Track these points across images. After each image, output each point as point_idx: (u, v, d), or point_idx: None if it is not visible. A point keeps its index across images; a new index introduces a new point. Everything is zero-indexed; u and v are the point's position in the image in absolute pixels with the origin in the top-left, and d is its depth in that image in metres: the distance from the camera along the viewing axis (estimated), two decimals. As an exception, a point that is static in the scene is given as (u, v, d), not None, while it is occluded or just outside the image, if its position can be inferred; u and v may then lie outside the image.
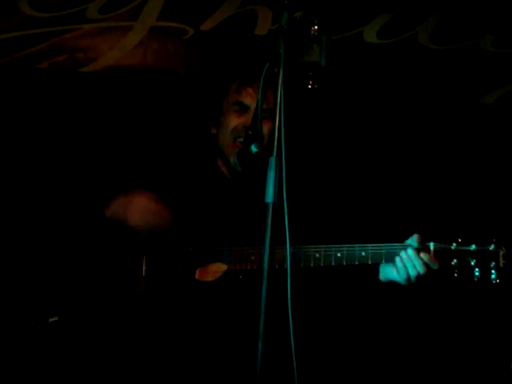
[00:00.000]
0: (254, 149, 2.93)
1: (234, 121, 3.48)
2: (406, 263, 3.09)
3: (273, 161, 2.58)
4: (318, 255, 3.17)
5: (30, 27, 4.27)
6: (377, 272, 3.26)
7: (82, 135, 4.31)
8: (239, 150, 3.24)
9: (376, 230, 3.60)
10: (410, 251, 3.09)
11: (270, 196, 2.54)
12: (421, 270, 3.07)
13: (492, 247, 3.08)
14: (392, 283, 3.23)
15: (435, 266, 3.08)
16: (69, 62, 4.34)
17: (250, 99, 3.49)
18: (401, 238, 3.18)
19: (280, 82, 2.61)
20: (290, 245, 2.56)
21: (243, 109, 3.49)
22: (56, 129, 4.29)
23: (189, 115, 4.32)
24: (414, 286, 3.14)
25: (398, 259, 3.11)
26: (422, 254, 3.08)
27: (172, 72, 4.41)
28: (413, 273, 3.08)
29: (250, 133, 3.06)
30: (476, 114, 4.62)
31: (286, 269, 2.63)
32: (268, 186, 2.55)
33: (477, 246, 3.09)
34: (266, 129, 3.21)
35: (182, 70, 4.42)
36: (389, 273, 3.20)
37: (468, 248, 3.10)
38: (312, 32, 2.72)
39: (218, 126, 3.57)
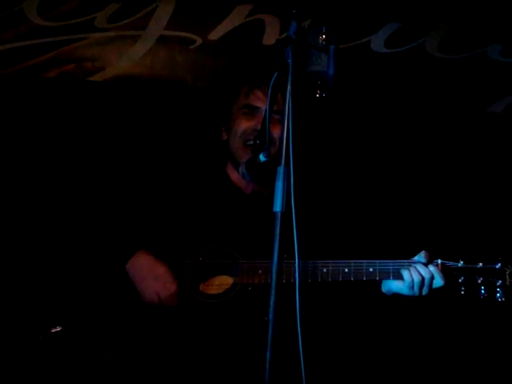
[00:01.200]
0: (262, 158, 2.93)
1: (243, 124, 3.47)
2: (412, 272, 3.09)
3: (281, 170, 2.58)
4: (325, 270, 3.16)
5: (38, 36, 4.29)
6: (379, 284, 3.25)
7: (89, 143, 4.30)
8: (248, 160, 3.24)
9: (383, 246, 3.60)
10: (419, 264, 3.10)
11: (278, 205, 2.53)
12: (426, 275, 3.06)
13: (499, 266, 3.09)
14: (395, 296, 3.22)
15: (442, 280, 3.08)
16: (77, 71, 4.34)
17: (259, 101, 3.47)
18: (407, 255, 3.18)
19: (288, 91, 2.60)
20: (298, 259, 2.55)
21: (252, 111, 3.47)
22: (64, 137, 4.29)
23: (197, 124, 4.32)
24: (419, 298, 3.13)
25: (405, 270, 3.11)
26: (430, 266, 3.09)
27: (180, 81, 4.41)
28: (417, 278, 3.08)
29: (258, 142, 3.06)
30: (484, 123, 4.62)
31: (293, 283, 2.62)
32: (276, 195, 2.54)
33: (483, 264, 3.10)
34: (278, 132, 3.20)
35: (190, 79, 4.42)
36: (392, 285, 3.19)
37: (475, 266, 3.11)
38: (320, 41, 2.72)
39: (229, 131, 3.55)
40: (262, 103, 3.46)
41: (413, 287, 3.10)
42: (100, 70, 4.37)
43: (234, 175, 3.54)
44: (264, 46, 4.38)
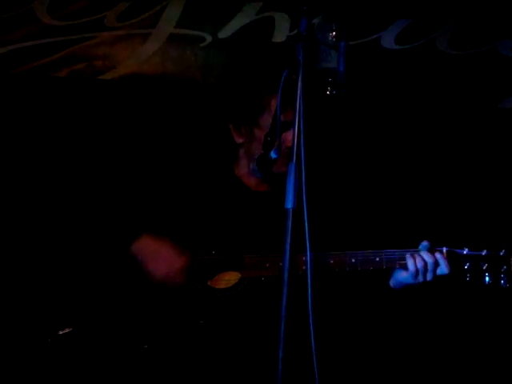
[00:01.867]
0: (273, 155, 2.93)
1: None
2: (416, 259, 3.10)
3: (292, 167, 2.58)
4: (332, 261, 3.17)
5: (48, 36, 4.30)
6: (388, 278, 3.25)
7: (100, 141, 4.31)
8: (258, 157, 3.22)
9: (389, 236, 3.60)
10: (422, 251, 3.11)
11: (289, 202, 2.53)
12: (429, 259, 3.07)
13: (503, 252, 3.10)
14: (403, 289, 3.23)
15: (446, 268, 3.09)
16: (88, 70, 4.36)
17: (290, 117, 3.37)
18: (414, 245, 3.19)
19: (299, 88, 2.60)
20: (303, 251, 2.55)
21: (284, 127, 3.41)
22: (75, 135, 4.30)
23: (206, 121, 4.32)
24: (425, 286, 3.13)
25: (407, 254, 3.12)
26: (435, 254, 3.10)
27: (190, 79, 4.42)
28: (420, 264, 3.08)
29: (268, 139, 3.06)
30: (495, 118, 4.61)
31: (300, 275, 2.61)
32: (288, 192, 2.55)
33: (488, 251, 3.11)
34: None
35: (201, 76, 4.43)
36: (399, 276, 3.19)
37: (479, 253, 3.12)
38: (330, 38, 2.72)
39: (250, 137, 3.48)
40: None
41: (417, 274, 3.10)
42: (110, 68, 4.38)
43: (242, 173, 3.52)
44: (274, 43, 4.39)
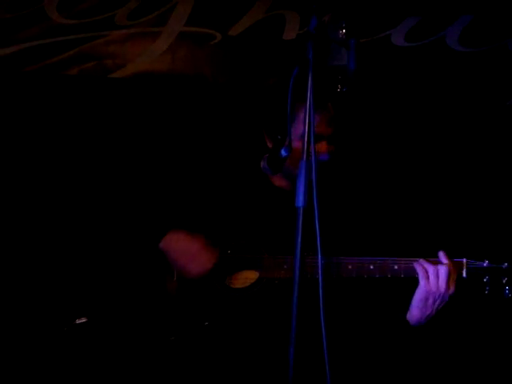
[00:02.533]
0: (283, 153, 2.93)
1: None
2: (427, 269, 3.08)
3: (303, 165, 2.57)
4: (350, 267, 3.17)
5: (59, 34, 4.32)
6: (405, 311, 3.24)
7: (111, 139, 4.32)
8: (269, 155, 3.22)
9: (405, 245, 3.59)
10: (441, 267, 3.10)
11: (300, 200, 2.53)
12: (443, 272, 3.06)
13: None
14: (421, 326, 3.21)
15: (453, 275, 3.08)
16: (98, 69, 4.37)
17: (319, 129, 3.29)
18: (431, 254, 3.18)
19: (309, 86, 2.60)
20: (321, 254, 2.54)
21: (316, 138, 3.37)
22: (85, 134, 4.31)
23: (219, 118, 4.32)
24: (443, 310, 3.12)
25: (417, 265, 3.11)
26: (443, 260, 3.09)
27: (201, 77, 4.42)
28: (434, 281, 3.07)
29: (279, 137, 3.05)
30: (504, 116, 4.60)
31: (317, 279, 2.62)
32: (298, 190, 2.54)
33: (509, 264, 3.10)
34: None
35: (211, 75, 4.43)
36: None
37: (500, 266, 3.10)
38: (340, 36, 2.72)
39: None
40: (323, 130, 3.33)
41: (432, 295, 3.09)
42: (120, 66, 4.39)
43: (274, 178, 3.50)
44: (284, 41, 4.39)
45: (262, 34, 4.38)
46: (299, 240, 2.49)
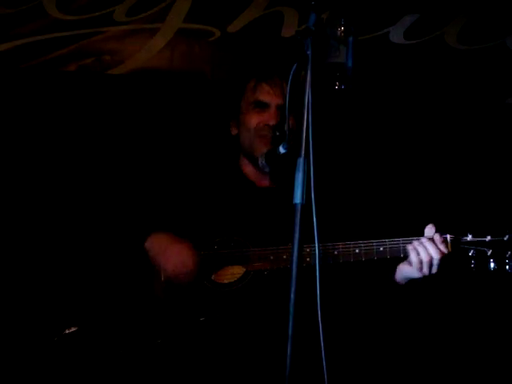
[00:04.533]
0: (282, 150, 2.93)
1: (254, 119, 3.42)
2: (417, 247, 3.08)
3: (301, 161, 2.57)
4: (336, 252, 3.17)
5: (57, 30, 4.31)
6: (393, 272, 3.24)
7: (108, 135, 4.32)
8: (267, 152, 3.24)
9: (393, 225, 3.60)
10: (423, 238, 3.10)
11: (298, 197, 2.53)
12: (433, 252, 3.06)
13: (507, 237, 3.09)
14: (409, 283, 3.22)
15: (446, 249, 3.08)
16: (96, 65, 4.36)
17: (267, 96, 3.42)
18: (417, 233, 3.18)
19: (308, 82, 2.60)
20: (309, 243, 2.54)
21: (262, 107, 3.44)
22: (84, 130, 4.31)
23: (214, 116, 4.32)
24: (429, 277, 3.12)
25: (410, 247, 3.11)
26: (434, 238, 3.09)
27: (199, 74, 4.42)
28: (425, 257, 3.06)
29: (277, 134, 3.06)
30: (502, 114, 4.61)
31: (304, 268, 2.61)
32: (296, 187, 2.54)
33: (492, 236, 3.10)
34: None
35: (209, 71, 4.43)
36: (404, 269, 3.19)
37: (483, 239, 3.11)
38: (339, 33, 2.72)
39: (239, 125, 3.53)
40: (269, 98, 3.41)
41: (421, 268, 3.08)
42: (119, 63, 4.38)
43: (248, 169, 3.53)
44: (283, 38, 4.40)
45: (261, 31, 4.39)
46: (297, 236, 2.50)
